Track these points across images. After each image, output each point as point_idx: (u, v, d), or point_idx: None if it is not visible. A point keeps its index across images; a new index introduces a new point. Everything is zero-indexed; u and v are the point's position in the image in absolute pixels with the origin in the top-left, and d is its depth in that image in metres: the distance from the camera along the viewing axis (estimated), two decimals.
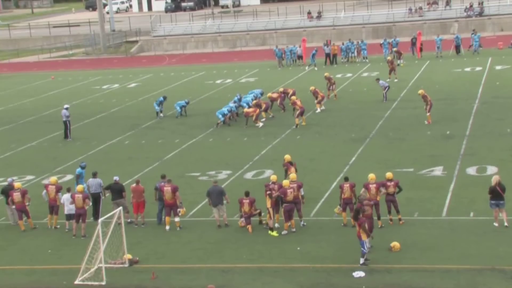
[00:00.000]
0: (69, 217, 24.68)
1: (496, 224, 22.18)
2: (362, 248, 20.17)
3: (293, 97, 38.94)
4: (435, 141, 33.17)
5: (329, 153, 32.31)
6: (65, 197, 24.67)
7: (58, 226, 24.97)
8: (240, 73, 59.10)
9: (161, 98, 43.26)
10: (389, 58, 52.21)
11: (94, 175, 26.12)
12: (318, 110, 40.69)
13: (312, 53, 58.78)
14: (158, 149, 35.41)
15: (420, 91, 37.15)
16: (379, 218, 22.78)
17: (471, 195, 25.40)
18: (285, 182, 23.27)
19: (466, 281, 18.87)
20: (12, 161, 35.24)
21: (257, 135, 36.51)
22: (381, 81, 43.26)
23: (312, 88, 41.58)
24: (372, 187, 22.95)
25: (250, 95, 42.42)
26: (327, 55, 59.57)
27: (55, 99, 52.38)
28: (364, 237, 20.12)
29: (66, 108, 38.73)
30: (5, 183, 27.27)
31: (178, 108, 42.05)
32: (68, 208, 24.54)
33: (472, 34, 59.73)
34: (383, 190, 23.09)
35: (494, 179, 22.46)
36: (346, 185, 23.46)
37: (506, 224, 22.12)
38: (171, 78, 58.93)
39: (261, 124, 38.15)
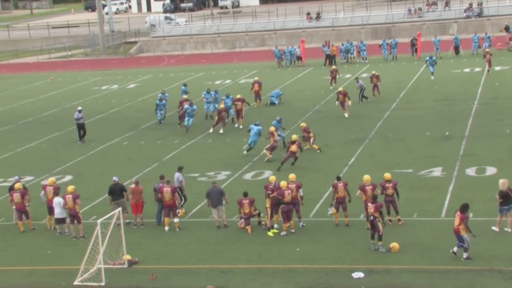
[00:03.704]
0: (59, 221, 24.40)
1: (496, 229, 21.95)
2: (462, 244, 20.00)
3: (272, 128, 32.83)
4: (434, 142, 33.19)
5: (328, 154, 32.31)
6: (56, 201, 24.23)
7: (58, 227, 24.94)
8: (239, 73, 59.11)
9: (184, 88, 44.66)
10: (334, 67, 49.68)
11: (180, 169, 26.21)
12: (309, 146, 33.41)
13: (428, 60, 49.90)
14: (157, 150, 35.42)
15: (302, 124, 33.48)
16: None
17: (470, 196, 25.38)
18: (283, 183, 23.26)
19: (465, 282, 18.90)
20: (11, 162, 35.24)
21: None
22: (360, 81, 43.22)
23: (303, 125, 33.83)
24: (368, 188, 22.93)
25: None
26: (327, 56, 59.54)
27: (54, 100, 52.42)
28: (463, 232, 20.02)
29: (79, 111, 38.08)
30: (8, 183, 27.37)
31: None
32: (57, 211, 24.15)
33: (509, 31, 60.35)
34: (379, 191, 23.08)
35: (504, 183, 21.90)
36: (340, 184, 23.49)
37: (509, 229, 21.94)
38: (170, 79, 58.94)
39: (211, 130, 37.88)
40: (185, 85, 46.01)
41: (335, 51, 59.65)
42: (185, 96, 41.54)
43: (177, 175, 25.99)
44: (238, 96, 39.77)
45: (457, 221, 20.24)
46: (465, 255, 20.17)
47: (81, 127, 38.11)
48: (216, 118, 38.20)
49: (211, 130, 37.96)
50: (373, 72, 44.79)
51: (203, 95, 41.99)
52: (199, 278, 20.26)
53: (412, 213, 24.04)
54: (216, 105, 41.22)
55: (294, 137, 30.77)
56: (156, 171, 30.37)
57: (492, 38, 61.97)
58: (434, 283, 18.96)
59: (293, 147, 30.07)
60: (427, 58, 49.84)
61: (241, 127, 38.48)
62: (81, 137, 38.04)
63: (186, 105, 39.10)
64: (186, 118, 38.58)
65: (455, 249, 20.33)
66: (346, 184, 23.56)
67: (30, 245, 23.86)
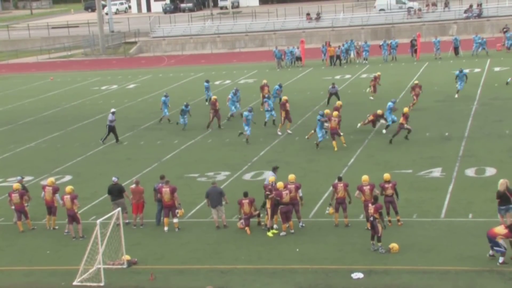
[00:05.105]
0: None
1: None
2: (499, 248, 19.69)
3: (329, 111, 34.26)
4: (433, 142, 33.19)
5: (327, 155, 32.31)
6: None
7: (57, 227, 24.94)
8: (239, 74, 59.12)
9: (206, 84, 44.69)
10: (378, 73, 46.15)
11: (274, 169, 25.53)
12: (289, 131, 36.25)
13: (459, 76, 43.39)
14: (157, 150, 35.42)
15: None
16: None
17: (470, 196, 25.42)
18: (279, 184, 23.22)
19: (464, 282, 18.89)
20: (11, 162, 35.23)
21: (256, 136, 36.42)
22: (336, 86, 42.80)
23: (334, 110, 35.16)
24: (366, 189, 22.91)
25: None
26: (337, 56, 59.35)
27: (54, 100, 52.42)
28: (499, 238, 19.71)
29: (112, 113, 36.96)
30: (8, 183, 27.37)
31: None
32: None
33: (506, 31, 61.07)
34: (377, 191, 23.06)
35: (502, 184, 21.73)
36: (340, 185, 23.46)
37: None
38: (170, 79, 58.95)
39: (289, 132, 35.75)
40: (207, 81, 45.46)
41: (333, 52, 59.58)
42: (214, 97, 39.15)
43: (271, 173, 25.25)
44: (285, 98, 37.81)
45: (499, 230, 19.85)
46: (501, 259, 19.77)
47: (111, 130, 36.89)
48: (283, 115, 36.28)
49: (279, 133, 36.42)
50: (416, 82, 41.54)
51: (229, 97, 40.97)
52: (199, 279, 20.26)
53: (412, 214, 24.04)
54: (238, 105, 40.94)
55: (406, 109, 33.63)
56: (156, 171, 30.39)
57: (491, 39, 62.03)
58: (433, 284, 18.96)
59: (401, 119, 33.12)
60: (457, 72, 43.05)
61: (289, 131, 36.58)
62: (104, 139, 37.18)
63: (245, 112, 35.52)
64: (246, 128, 35.08)
65: (491, 252, 20.06)
66: (347, 185, 23.52)
67: (30, 245, 23.86)
